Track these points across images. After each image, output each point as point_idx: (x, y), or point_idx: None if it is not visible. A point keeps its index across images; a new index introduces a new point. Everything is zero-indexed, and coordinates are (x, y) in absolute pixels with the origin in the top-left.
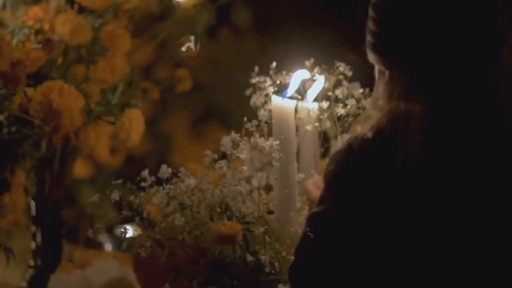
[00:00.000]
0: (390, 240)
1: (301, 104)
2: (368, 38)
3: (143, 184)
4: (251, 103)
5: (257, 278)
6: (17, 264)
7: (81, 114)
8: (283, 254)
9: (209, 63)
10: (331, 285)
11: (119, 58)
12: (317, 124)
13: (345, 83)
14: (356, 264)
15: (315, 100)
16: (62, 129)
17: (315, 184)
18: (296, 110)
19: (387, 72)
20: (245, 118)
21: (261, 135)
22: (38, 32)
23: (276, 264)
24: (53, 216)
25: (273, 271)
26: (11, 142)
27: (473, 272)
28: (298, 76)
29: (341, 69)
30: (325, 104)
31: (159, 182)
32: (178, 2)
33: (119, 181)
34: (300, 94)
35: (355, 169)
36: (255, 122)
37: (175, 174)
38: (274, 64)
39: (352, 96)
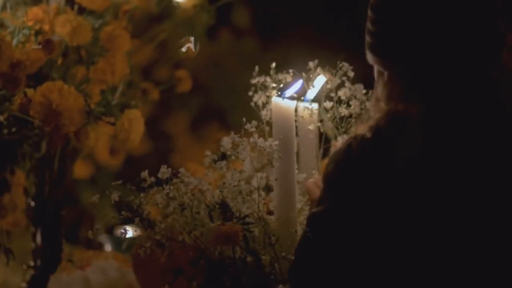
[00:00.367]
0: (389, 240)
1: (301, 104)
2: (367, 38)
3: (143, 184)
4: (253, 103)
5: (257, 279)
6: (17, 265)
7: (81, 114)
8: (283, 254)
9: (209, 64)
10: (330, 285)
11: (119, 58)
12: (319, 124)
13: (347, 84)
14: (355, 264)
15: (318, 100)
16: (62, 129)
17: (316, 184)
18: (296, 110)
19: (386, 73)
20: (244, 119)
21: (261, 136)
22: (38, 32)
23: (276, 264)
24: (53, 216)
25: (273, 272)
26: (11, 142)
27: (473, 272)
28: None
29: (344, 69)
30: (328, 104)
31: (159, 182)
32: (177, 2)
33: (119, 181)
34: (300, 94)
35: (354, 170)
36: (254, 122)
37: (175, 175)
38: (274, 65)
39: (355, 97)
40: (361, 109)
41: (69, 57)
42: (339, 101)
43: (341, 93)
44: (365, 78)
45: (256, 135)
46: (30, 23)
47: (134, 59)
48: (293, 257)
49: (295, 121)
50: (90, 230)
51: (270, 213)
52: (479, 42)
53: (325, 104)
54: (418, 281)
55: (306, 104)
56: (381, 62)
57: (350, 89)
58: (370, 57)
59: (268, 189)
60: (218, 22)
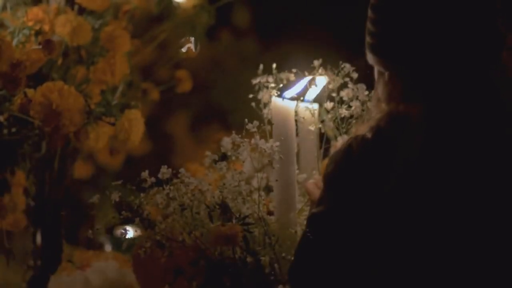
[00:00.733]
0: (388, 240)
1: (301, 104)
2: (367, 39)
3: (143, 185)
4: (253, 103)
5: (257, 279)
6: (17, 265)
7: (81, 114)
8: (283, 255)
9: (209, 64)
10: (330, 285)
11: (119, 58)
12: (320, 125)
13: (350, 85)
14: (355, 265)
15: (319, 101)
16: (62, 129)
17: (316, 185)
18: (296, 111)
19: (386, 73)
20: (246, 120)
21: (263, 136)
22: (38, 33)
23: (276, 265)
24: (53, 216)
25: (273, 272)
26: (11, 142)
27: (472, 272)
28: (303, 82)
29: (346, 70)
30: (329, 105)
31: (159, 183)
32: (178, 3)
33: (119, 181)
34: (301, 94)
35: (354, 170)
36: (256, 122)
37: (175, 175)
38: (274, 65)
39: (357, 98)
40: (362, 110)
41: (69, 57)
42: (341, 102)
43: (343, 93)
44: (365, 78)
45: (257, 136)
46: (30, 23)
47: (134, 59)
48: (293, 258)
49: (296, 121)
50: (90, 230)
51: (270, 213)
52: (479, 42)
53: (326, 104)
54: (418, 281)
55: (307, 105)
56: (381, 62)
57: (353, 89)
58: (370, 58)
59: (268, 189)
60: (218, 22)
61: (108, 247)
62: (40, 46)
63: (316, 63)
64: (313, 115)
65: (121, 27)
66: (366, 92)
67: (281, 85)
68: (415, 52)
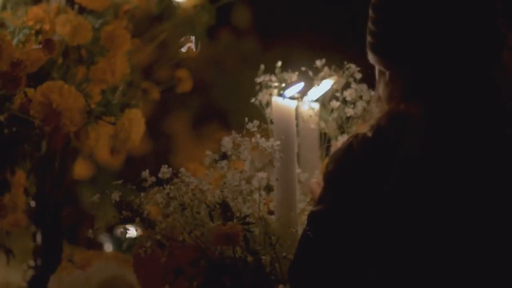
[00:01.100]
0: (388, 239)
1: (302, 104)
2: (368, 38)
3: (143, 184)
4: (257, 101)
5: (257, 279)
6: (17, 265)
7: (82, 114)
8: (284, 254)
9: (210, 64)
10: (329, 283)
11: (119, 58)
12: (323, 126)
13: (354, 85)
14: (355, 263)
15: (321, 100)
16: (62, 129)
17: (319, 184)
18: (297, 110)
19: (387, 73)
20: (246, 119)
21: (263, 135)
22: (38, 32)
23: (277, 264)
24: (53, 216)
25: (273, 272)
26: (11, 142)
27: (472, 271)
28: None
29: (351, 71)
30: (332, 104)
31: (159, 182)
32: (178, 2)
33: (120, 181)
34: (302, 94)
35: (354, 168)
36: (256, 122)
37: (175, 175)
38: (279, 63)
39: (361, 98)
40: (364, 109)
41: (70, 56)
42: (345, 102)
43: (347, 93)
44: (366, 77)
45: (258, 135)
46: (30, 23)
47: (134, 59)
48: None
49: (296, 120)
50: (90, 230)
51: (270, 213)
52: (480, 42)
53: (327, 104)
54: (417, 280)
55: (308, 104)
56: (382, 62)
57: (356, 90)
58: (371, 57)
59: (268, 189)
60: (218, 22)
61: (108, 247)
62: (40, 46)
63: (319, 63)
64: (313, 115)
65: (121, 26)
66: (372, 93)
67: (282, 85)
68: (416, 52)
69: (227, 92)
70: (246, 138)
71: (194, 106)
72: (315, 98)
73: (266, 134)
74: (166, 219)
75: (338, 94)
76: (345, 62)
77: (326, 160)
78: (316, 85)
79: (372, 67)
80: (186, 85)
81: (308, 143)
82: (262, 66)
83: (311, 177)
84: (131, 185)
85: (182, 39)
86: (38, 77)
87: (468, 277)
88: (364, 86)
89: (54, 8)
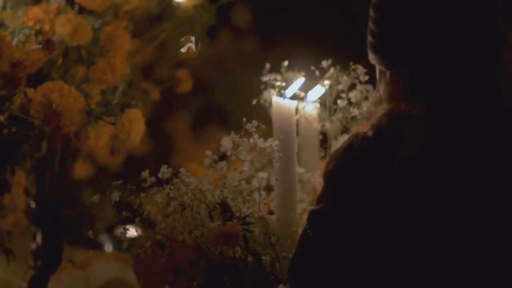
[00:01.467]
0: (388, 238)
1: (302, 104)
2: (369, 38)
3: (143, 184)
4: (262, 101)
5: (257, 279)
6: (17, 265)
7: (81, 114)
8: (284, 254)
9: (210, 64)
10: (329, 282)
11: (119, 58)
12: (324, 126)
13: (359, 86)
14: (354, 262)
15: (322, 100)
16: (62, 129)
17: (322, 183)
18: (297, 110)
19: (388, 73)
20: (244, 119)
21: (263, 136)
22: (38, 32)
23: (277, 264)
24: (53, 216)
25: (273, 272)
26: (11, 142)
27: (472, 271)
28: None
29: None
30: (341, 103)
31: (159, 182)
32: (178, 2)
33: (119, 181)
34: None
35: (355, 168)
36: (255, 122)
37: (175, 175)
38: (286, 63)
39: (366, 98)
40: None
41: (70, 57)
42: (350, 103)
43: (352, 95)
44: (371, 78)
45: (256, 136)
46: (30, 23)
47: (134, 59)
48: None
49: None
50: (90, 230)
51: (270, 213)
52: (480, 42)
53: (327, 104)
54: (417, 279)
55: (308, 104)
56: (383, 62)
57: (361, 91)
58: (372, 57)
59: (268, 189)
60: (218, 22)
61: (108, 247)
62: (40, 46)
63: (325, 63)
64: (313, 115)
65: (121, 26)
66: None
67: (283, 84)
68: (416, 52)
69: (227, 92)
70: (244, 139)
71: (194, 106)
72: (315, 98)
73: (266, 134)
74: (166, 219)
75: (343, 95)
76: (351, 63)
77: (326, 160)
78: (317, 86)
79: (373, 67)
80: (186, 85)
81: (308, 143)
82: (268, 65)
83: (311, 177)
84: (131, 185)
85: (182, 39)
86: (38, 77)
87: (468, 277)
88: (369, 87)
89: (54, 8)
